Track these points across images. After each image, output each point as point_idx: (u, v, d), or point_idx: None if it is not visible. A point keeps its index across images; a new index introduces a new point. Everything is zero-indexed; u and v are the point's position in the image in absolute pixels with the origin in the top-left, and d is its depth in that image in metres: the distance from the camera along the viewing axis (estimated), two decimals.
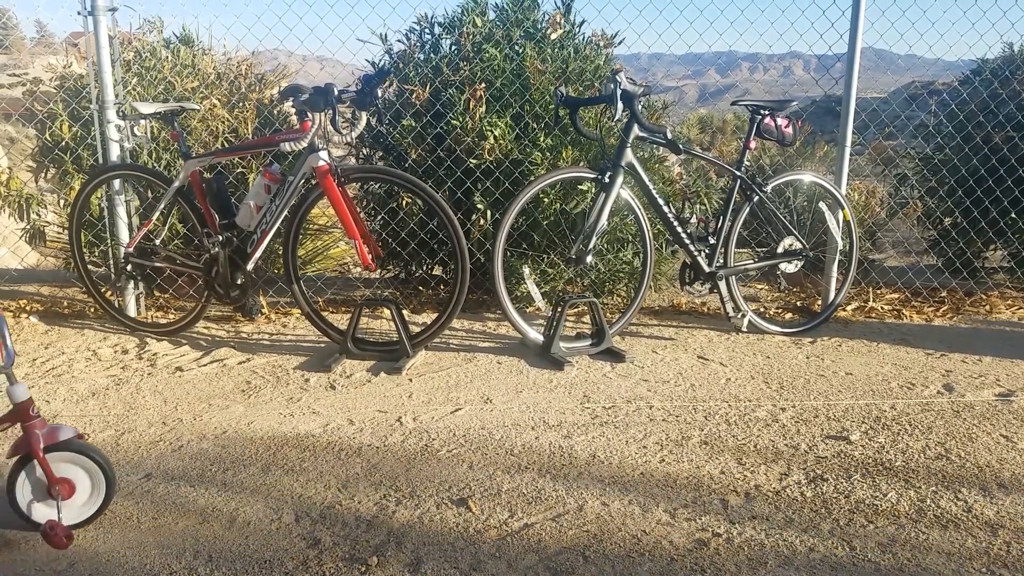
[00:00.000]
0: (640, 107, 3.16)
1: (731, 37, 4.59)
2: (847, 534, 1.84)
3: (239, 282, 3.20)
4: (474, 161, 3.71)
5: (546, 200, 3.67)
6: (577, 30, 4.04)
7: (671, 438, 2.40)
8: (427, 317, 3.73)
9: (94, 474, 1.81)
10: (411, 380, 2.91)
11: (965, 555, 1.75)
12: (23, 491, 1.78)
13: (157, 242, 3.44)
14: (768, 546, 1.78)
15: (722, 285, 3.50)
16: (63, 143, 3.80)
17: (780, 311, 4.02)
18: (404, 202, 3.82)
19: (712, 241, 3.46)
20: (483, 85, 3.69)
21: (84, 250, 3.56)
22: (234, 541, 1.79)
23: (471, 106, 3.69)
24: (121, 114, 3.51)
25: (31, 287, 4.19)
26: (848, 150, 3.83)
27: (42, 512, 1.78)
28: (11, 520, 1.80)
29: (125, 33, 4.00)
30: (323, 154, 2.99)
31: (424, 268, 4.25)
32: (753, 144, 3.51)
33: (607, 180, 3.18)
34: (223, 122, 3.91)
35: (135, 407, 2.62)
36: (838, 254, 3.88)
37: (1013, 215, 4.36)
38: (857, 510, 1.96)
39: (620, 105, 3.06)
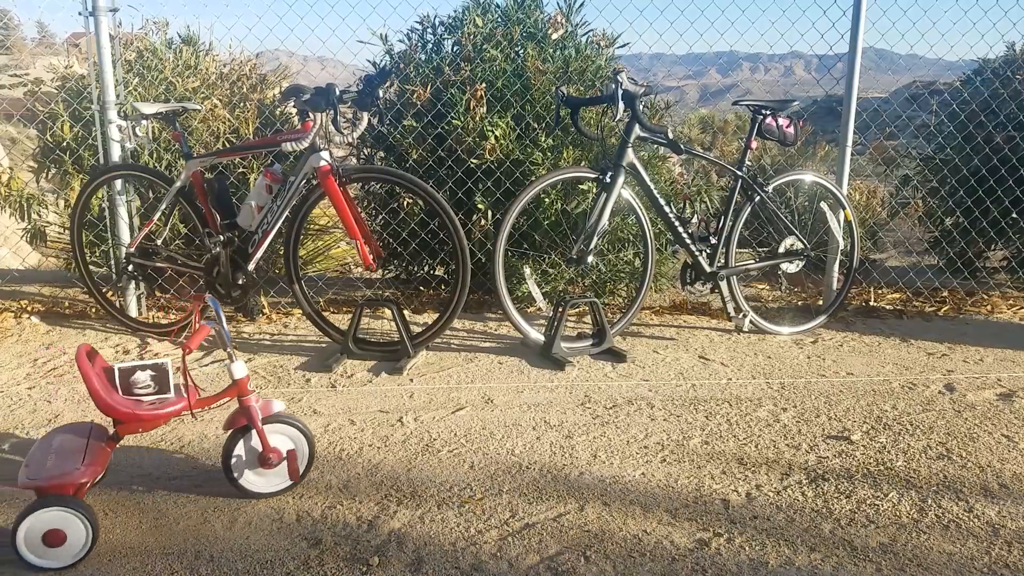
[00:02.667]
0: (641, 107, 3.16)
1: (732, 37, 4.59)
2: (848, 534, 1.84)
3: (240, 282, 3.20)
4: (475, 161, 3.71)
5: (547, 200, 3.67)
6: (577, 30, 4.04)
7: (672, 438, 2.40)
8: (428, 317, 3.73)
9: (299, 442, 1.99)
10: (412, 380, 2.91)
11: (966, 555, 1.75)
12: (238, 460, 1.95)
13: (158, 242, 3.44)
14: (769, 546, 1.78)
15: (723, 285, 3.50)
16: (64, 143, 3.80)
17: (781, 311, 4.02)
18: (405, 202, 3.83)
19: (713, 241, 3.45)
20: (484, 85, 3.69)
21: (85, 250, 3.56)
22: (236, 541, 1.79)
23: (472, 106, 3.69)
24: (122, 114, 3.51)
25: (32, 287, 4.19)
26: (849, 150, 3.83)
27: (252, 479, 1.96)
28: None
29: (126, 33, 4.00)
30: (324, 154, 2.99)
31: (425, 268, 4.25)
32: (754, 144, 3.51)
33: (608, 180, 3.18)
34: (224, 122, 3.91)
35: None
36: (839, 254, 3.88)
37: (1014, 215, 4.36)
38: (858, 510, 1.95)
39: (621, 105, 3.06)
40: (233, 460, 1.95)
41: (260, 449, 1.93)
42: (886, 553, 1.76)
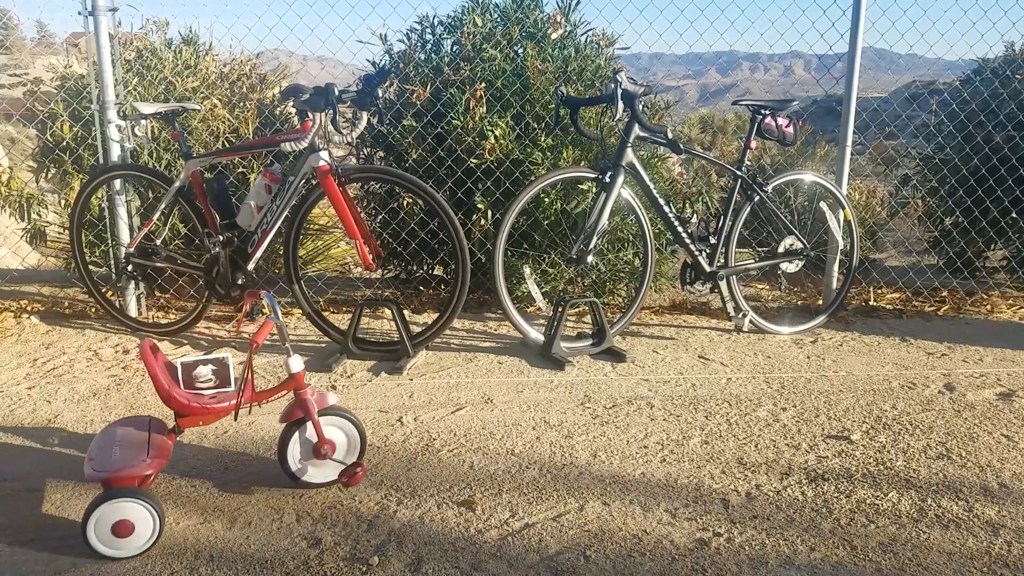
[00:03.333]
0: (641, 107, 3.16)
1: (732, 37, 4.60)
2: (848, 534, 1.84)
3: (240, 282, 3.20)
4: (475, 161, 3.71)
5: (547, 200, 3.67)
6: (576, 30, 4.04)
7: (672, 438, 2.40)
8: (428, 317, 3.73)
9: (350, 434, 2.06)
10: (412, 380, 2.91)
11: (966, 555, 1.75)
12: (293, 451, 2.01)
13: (158, 242, 3.44)
14: (769, 546, 1.78)
15: (723, 285, 3.50)
16: (64, 143, 3.80)
17: (781, 311, 4.02)
18: (405, 202, 3.83)
19: (713, 241, 3.45)
20: (483, 85, 3.69)
21: (85, 250, 3.56)
22: (235, 541, 1.79)
23: (472, 106, 3.69)
24: (122, 114, 3.51)
25: (32, 287, 4.19)
26: (849, 150, 3.83)
27: (306, 469, 2.02)
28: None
29: (126, 33, 4.00)
30: (324, 154, 2.99)
31: (425, 268, 4.25)
32: (754, 144, 3.51)
33: (608, 180, 3.18)
34: (224, 122, 3.91)
35: (136, 407, 2.62)
36: (839, 254, 3.88)
37: (1014, 214, 4.36)
38: (858, 510, 1.96)
39: (621, 105, 3.06)
40: (289, 451, 2.01)
41: (315, 440, 1.99)
42: (886, 553, 1.76)
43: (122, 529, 1.70)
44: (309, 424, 1.98)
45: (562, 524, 1.87)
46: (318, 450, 1.99)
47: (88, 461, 1.78)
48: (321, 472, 2.04)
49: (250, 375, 1.92)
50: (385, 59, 4.04)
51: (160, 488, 2.04)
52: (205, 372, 1.94)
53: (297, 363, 1.97)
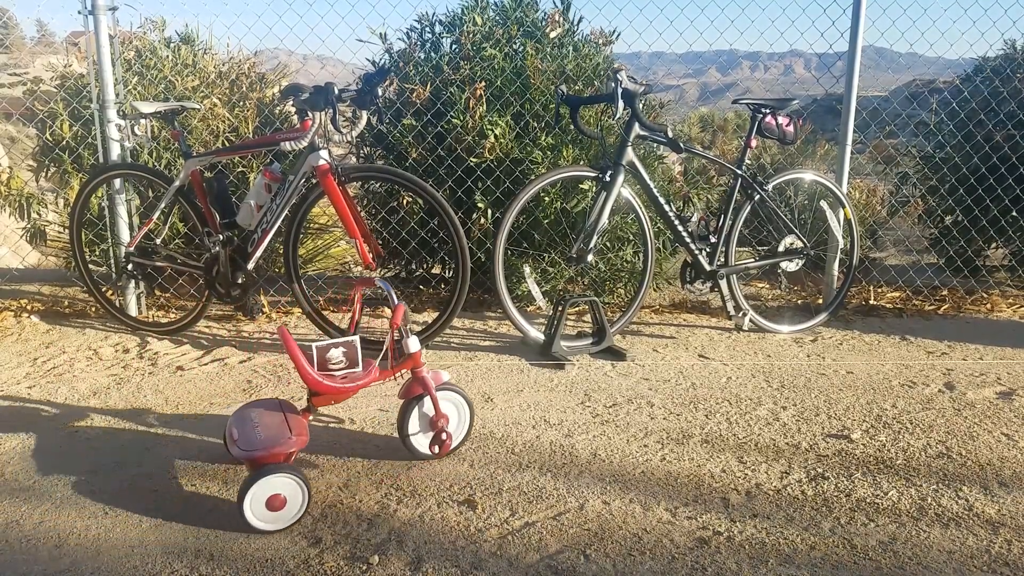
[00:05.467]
0: (641, 106, 3.16)
1: (732, 35, 4.59)
2: (848, 532, 1.84)
3: (240, 281, 3.20)
4: (475, 160, 3.71)
5: (547, 199, 3.67)
6: (576, 28, 4.04)
7: (672, 437, 2.40)
8: (428, 316, 3.73)
9: (460, 407, 2.22)
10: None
11: (966, 553, 1.75)
12: (412, 425, 2.15)
13: (158, 241, 3.44)
14: (769, 544, 1.78)
15: (723, 284, 3.50)
16: (64, 142, 3.80)
17: (781, 310, 4.02)
18: (405, 201, 3.82)
19: (713, 240, 3.45)
20: (483, 84, 3.68)
21: (85, 249, 3.56)
22: (235, 539, 1.79)
23: (471, 105, 3.69)
24: (122, 113, 3.51)
25: (32, 286, 4.19)
26: (849, 148, 3.83)
27: (421, 441, 2.17)
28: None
29: (126, 32, 4.00)
30: (324, 153, 2.99)
31: (425, 267, 4.25)
32: (754, 143, 3.50)
33: (608, 179, 3.18)
34: (223, 121, 3.91)
35: (136, 407, 2.62)
36: (839, 253, 3.88)
37: (1014, 213, 4.36)
38: (858, 508, 1.95)
39: (621, 104, 3.06)
40: (409, 425, 2.15)
41: (432, 415, 2.13)
42: (886, 551, 1.76)
43: (275, 503, 1.80)
44: (426, 399, 2.12)
45: (562, 523, 1.87)
46: (434, 423, 2.13)
47: (232, 443, 1.93)
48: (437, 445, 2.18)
49: (390, 354, 2.11)
50: (385, 58, 4.04)
51: (161, 486, 2.04)
52: (336, 354, 2.06)
53: (415, 343, 2.11)
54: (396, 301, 2.11)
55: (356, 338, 2.09)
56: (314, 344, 2.03)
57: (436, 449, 2.15)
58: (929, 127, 4.83)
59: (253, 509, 1.79)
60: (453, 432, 2.19)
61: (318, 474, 2.12)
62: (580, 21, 4.03)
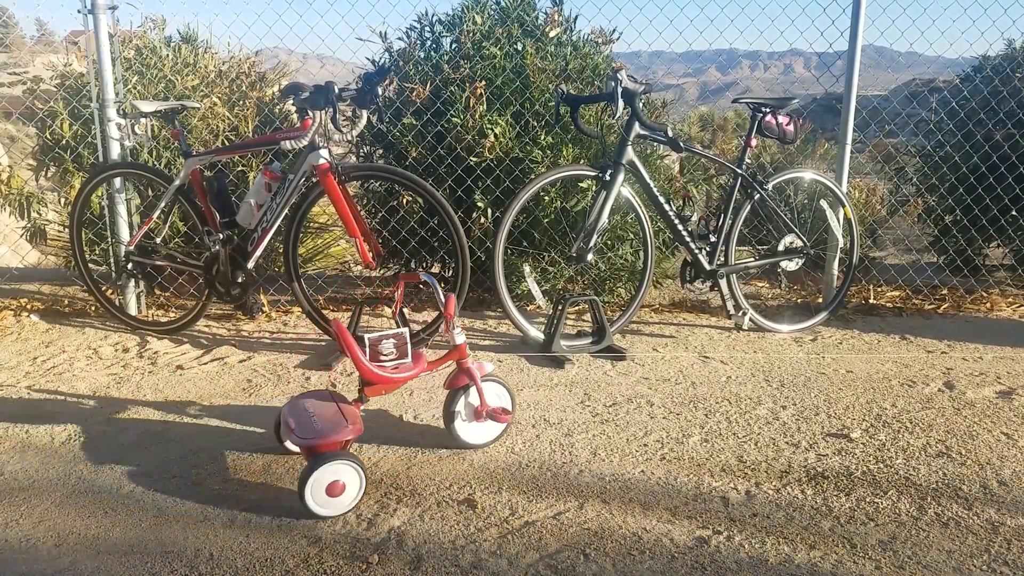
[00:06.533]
0: (641, 105, 3.16)
1: (732, 35, 4.59)
2: (848, 532, 1.84)
3: (240, 280, 3.20)
4: (474, 159, 3.71)
5: (547, 198, 3.67)
6: (573, 26, 4.03)
7: (672, 436, 2.40)
8: (427, 315, 3.73)
9: (503, 398, 2.30)
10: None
11: (966, 552, 1.75)
12: (458, 414, 2.24)
13: (158, 240, 3.44)
14: (769, 544, 1.78)
15: (723, 283, 3.50)
16: (64, 141, 3.80)
17: (781, 309, 4.02)
18: (405, 200, 3.82)
19: (713, 239, 3.45)
20: (483, 83, 3.68)
21: (85, 248, 3.56)
22: (235, 539, 1.79)
23: (471, 104, 3.69)
24: (122, 112, 3.51)
25: (32, 286, 4.19)
26: (849, 147, 3.83)
27: (468, 432, 2.25)
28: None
29: (125, 31, 3.99)
30: (324, 152, 2.99)
31: (424, 266, 4.25)
32: (754, 142, 3.50)
33: (608, 178, 3.18)
34: (223, 120, 3.91)
35: (136, 406, 2.62)
36: (839, 252, 3.88)
37: (1014, 212, 4.36)
38: (858, 508, 1.96)
39: (621, 103, 3.06)
40: (454, 415, 2.23)
41: (477, 404, 2.22)
42: (885, 551, 1.76)
43: (334, 489, 1.86)
44: (472, 388, 2.21)
45: (562, 522, 1.87)
46: (479, 412, 2.22)
47: (289, 432, 1.98)
48: (479, 433, 2.27)
49: (454, 339, 2.18)
50: (385, 57, 4.04)
51: (161, 486, 2.04)
52: (388, 346, 2.11)
53: (460, 336, 2.18)
54: (442, 295, 2.17)
55: (406, 330, 2.15)
56: (367, 336, 2.09)
57: (498, 420, 2.23)
58: (929, 126, 4.84)
59: (314, 496, 1.85)
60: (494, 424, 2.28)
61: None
62: (576, 19, 4.03)
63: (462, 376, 2.20)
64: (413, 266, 4.24)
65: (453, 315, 2.14)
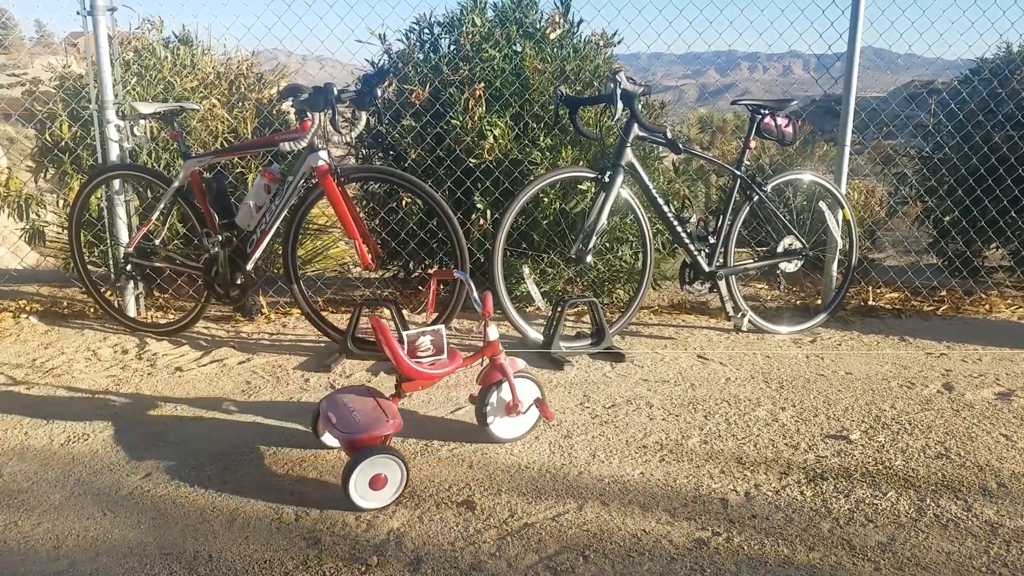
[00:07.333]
0: (640, 106, 3.16)
1: (730, 36, 4.59)
2: (847, 533, 1.84)
3: (239, 282, 3.20)
4: (474, 161, 3.71)
5: (546, 200, 3.67)
6: (576, 29, 4.04)
7: (671, 437, 2.40)
8: (427, 316, 3.72)
9: (534, 392, 2.34)
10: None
11: (965, 554, 1.75)
12: (490, 408, 2.29)
13: (157, 242, 3.44)
14: (768, 545, 1.78)
15: (722, 284, 3.50)
16: (62, 143, 3.80)
17: (780, 310, 4.02)
18: (404, 202, 3.82)
19: (712, 240, 3.46)
20: (482, 84, 3.68)
21: (84, 250, 3.56)
22: (234, 540, 1.79)
23: (470, 106, 3.69)
24: (120, 114, 3.51)
25: (31, 287, 4.19)
26: (848, 149, 3.83)
27: (498, 425, 2.30)
28: None
29: (124, 33, 4.00)
30: (323, 154, 2.99)
31: (424, 268, 4.25)
32: (753, 143, 3.51)
33: (607, 180, 3.18)
34: (222, 122, 3.91)
35: (136, 405, 2.62)
36: (838, 253, 3.88)
37: (1012, 214, 4.36)
38: (857, 509, 1.96)
39: (620, 104, 3.06)
40: (487, 410, 2.28)
41: (509, 399, 2.27)
42: (884, 552, 1.76)
43: (377, 482, 1.90)
44: (504, 385, 2.26)
45: (561, 524, 1.87)
46: (510, 408, 2.27)
47: (330, 426, 2.01)
48: (510, 427, 2.32)
49: (489, 335, 2.22)
50: (384, 59, 4.04)
51: (160, 487, 2.04)
52: (425, 342, 2.16)
53: (494, 332, 2.23)
54: (476, 293, 2.23)
55: (442, 327, 2.20)
56: (405, 332, 2.14)
57: (545, 414, 2.26)
58: (927, 128, 4.84)
59: (357, 489, 1.88)
60: (529, 414, 2.33)
61: (316, 474, 2.12)
62: (580, 23, 4.03)
63: (495, 372, 2.25)
64: (412, 268, 4.24)
65: (490, 312, 2.19)
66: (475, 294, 2.23)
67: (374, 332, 2.14)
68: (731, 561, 1.72)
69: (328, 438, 2.24)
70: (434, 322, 3.19)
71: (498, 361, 2.25)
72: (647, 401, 2.72)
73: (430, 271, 2.39)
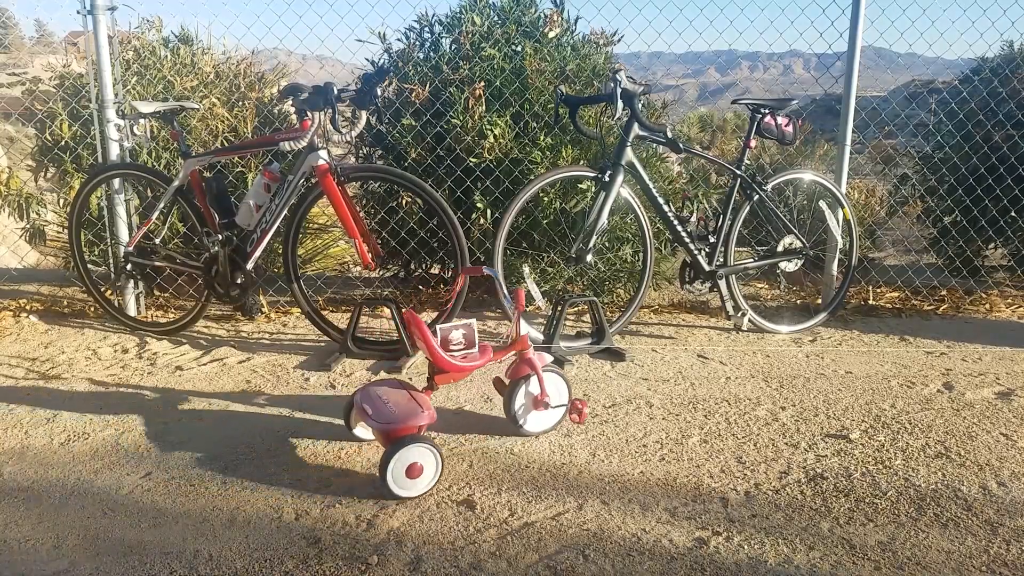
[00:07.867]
0: (640, 106, 3.16)
1: (731, 35, 4.59)
2: (847, 532, 1.84)
3: (239, 281, 3.20)
4: (474, 160, 3.71)
5: (546, 199, 3.67)
6: (573, 27, 4.03)
7: (671, 437, 2.40)
8: (427, 316, 3.73)
9: (560, 387, 2.38)
10: (411, 379, 2.91)
11: (965, 553, 1.75)
12: (518, 402, 2.33)
13: (157, 241, 3.44)
14: (768, 545, 1.78)
15: (722, 284, 3.50)
16: (63, 142, 3.80)
17: (780, 310, 4.02)
18: (404, 201, 3.82)
19: (712, 240, 3.46)
20: (482, 84, 3.68)
21: (84, 249, 3.56)
22: (234, 540, 1.79)
23: (471, 105, 3.69)
24: (120, 113, 3.51)
25: (31, 286, 4.19)
26: (848, 148, 3.83)
27: (527, 419, 2.35)
28: None
29: (124, 32, 3.99)
30: (323, 153, 2.99)
31: (424, 267, 4.25)
32: (753, 143, 3.50)
33: (607, 179, 3.18)
34: (222, 121, 3.90)
35: (136, 406, 2.62)
36: (838, 252, 3.88)
37: (1013, 213, 4.36)
38: (857, 508, 1.96)
39: (620, 104, 3.06)
40: (516, 404, 2.32)
41: (536, 393, 2.31)
42: (884, 551, 1.76)
43: (413, 471, 1.94)
44: (533, 379, 2.30)
45: (561, 523, 1.87)
46: (538, 402, 2.31)
47: (366, 417, 2.04)
48: (538, 421, 2.36)
49: (516, 332, 2.28)
50: (384, 58, 4.04)
51: (160, 487, 2.04)
52: (457, 336, 2.21)
53: (525, 327, 2.27)
54: (506, 289, 2.26)
55: (474, 321, 2.24)
56: (438, 326, 2.19)
57: (576, 417, 2.28)
58: (928, 127, 4.84)
59: (395, 478, 1.93)
60: (558, 409, 2.37)
61: (316, 473, 2.12)
62: (577, 20, 4.03)
63: (523, 366, 2.30)
64: (413, 267, 4.24)
65: (523, 307, 2.23)
66: (503, 289, 2.28)
67: (409, 326, 2.18)
68: (731, 560, 1.72)
69: (360, 431, 2.28)
70: (433, 322, 3.18)
71: (527, 355, 2.29)
72: (647, 400, 2.72)
73: (459, 268, 2.49)
